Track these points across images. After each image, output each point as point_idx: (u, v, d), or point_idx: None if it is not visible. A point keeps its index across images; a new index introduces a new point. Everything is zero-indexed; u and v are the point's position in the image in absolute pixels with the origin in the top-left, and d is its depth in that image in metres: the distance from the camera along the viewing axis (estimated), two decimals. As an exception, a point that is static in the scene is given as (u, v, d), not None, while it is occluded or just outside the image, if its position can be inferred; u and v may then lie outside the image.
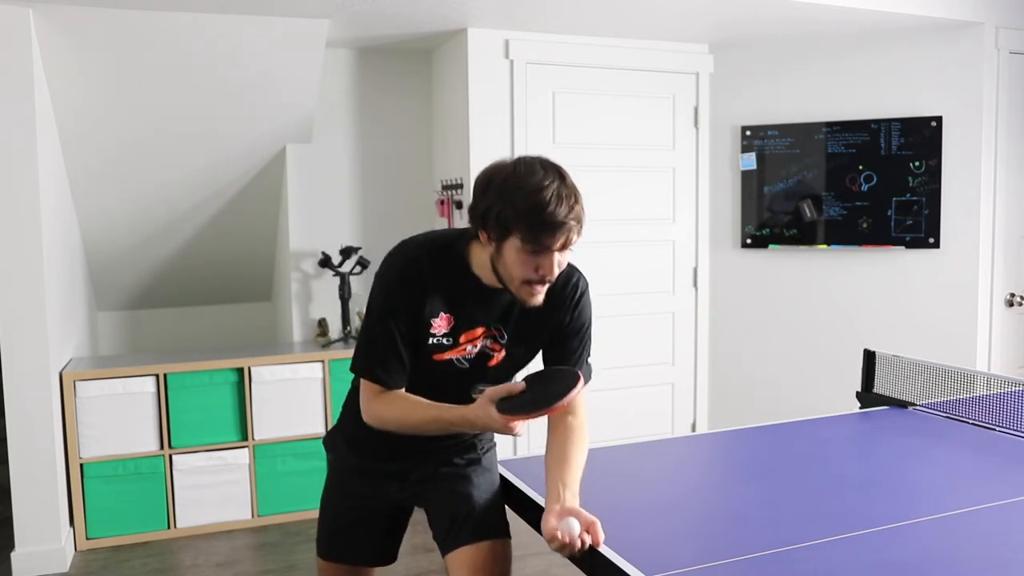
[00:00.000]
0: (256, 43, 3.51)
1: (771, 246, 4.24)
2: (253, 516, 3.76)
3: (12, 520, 3.26)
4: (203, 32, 3.37)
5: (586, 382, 1.72)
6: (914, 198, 3.94)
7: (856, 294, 4.13)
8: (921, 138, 3.90)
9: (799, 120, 4.15)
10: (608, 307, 4.16)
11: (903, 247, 3.98)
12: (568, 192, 1.54)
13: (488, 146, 3.87)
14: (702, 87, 4.28)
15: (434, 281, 1.66)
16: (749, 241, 4.27)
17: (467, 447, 1.88)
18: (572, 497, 1.58)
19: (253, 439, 3.74)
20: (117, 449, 3.56)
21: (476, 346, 1.72)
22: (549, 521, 1.51)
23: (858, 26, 3.86)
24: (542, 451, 1.73)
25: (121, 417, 3.55)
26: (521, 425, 1.55)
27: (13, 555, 3.25)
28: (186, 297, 4.75)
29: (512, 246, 1.56)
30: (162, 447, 3.62)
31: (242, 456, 3.72)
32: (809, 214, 4.14)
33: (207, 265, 4.56)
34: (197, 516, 3.68)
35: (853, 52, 4.06)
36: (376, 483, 1.90)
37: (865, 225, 4.03)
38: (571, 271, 1.78)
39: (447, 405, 1.65)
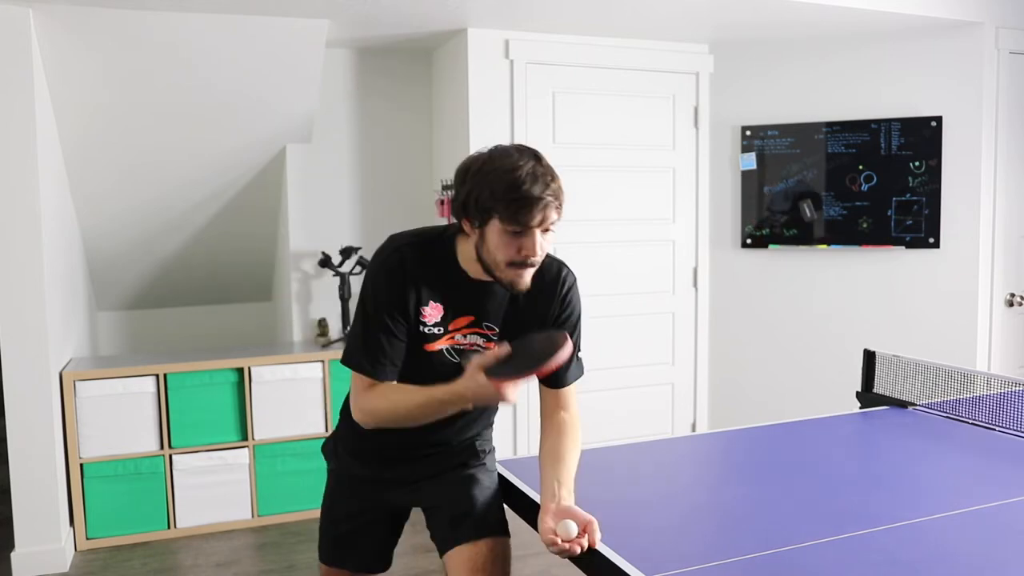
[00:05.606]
0: (256, 43, 3.51)
1: (771, 246, 4.23)
2: (253, 516, 3.76)
3: (12, 520, 3.26)
4: (204, 32, 3.37)
5: (577, 377, 1.76)
6: (914, 198, 3.94)
7: (856, 294, 4.13)
8: (921, 138, 3.90)
9: (799, 120, 4.15)
10: (608, 307, 4.16)
11: (903, 247, 3.98)
12: (543, 171, 1.58)
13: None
14: (702, 87, 4.27)
15: (421, 271, 1.68)
16: (749, 241, 4.27)
17: (470, 452, 1.88)
18: (568, 495, 1.60)
19: (253, 439, 3.74)
20: (117, 449, 3.56)
21: (465, 336, 1.71)
22: (546, 521, 1.53)
23: (858, 26, 3.86)
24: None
25: (121, 417, 3.55)
26: (514, 391, 1.53)
27: (13, 555, 3.25)
28: (186, 297, 4.75)
29: (494, 229, 1.58)
30: (162, 447, 3.62)
31: (242, 456, 3.72)
32: (809, 214, 4.14)
33: (207, 265, 4.56)
34: (197, 516, 3.68)
35: (853, 52, 4.05)
36: (379, 490, 1.91)
37: (865, 225, 4.03)
38: (559, 265, 1.79)
39: (437, 385, 1.62)
